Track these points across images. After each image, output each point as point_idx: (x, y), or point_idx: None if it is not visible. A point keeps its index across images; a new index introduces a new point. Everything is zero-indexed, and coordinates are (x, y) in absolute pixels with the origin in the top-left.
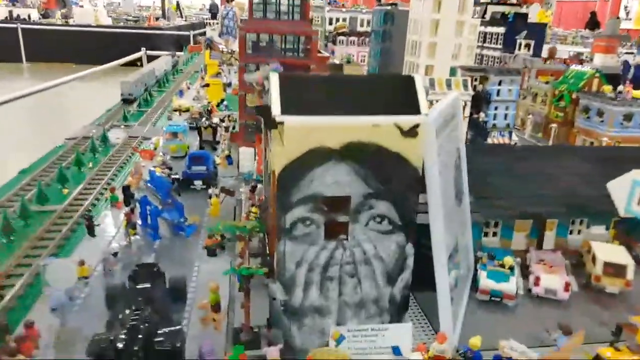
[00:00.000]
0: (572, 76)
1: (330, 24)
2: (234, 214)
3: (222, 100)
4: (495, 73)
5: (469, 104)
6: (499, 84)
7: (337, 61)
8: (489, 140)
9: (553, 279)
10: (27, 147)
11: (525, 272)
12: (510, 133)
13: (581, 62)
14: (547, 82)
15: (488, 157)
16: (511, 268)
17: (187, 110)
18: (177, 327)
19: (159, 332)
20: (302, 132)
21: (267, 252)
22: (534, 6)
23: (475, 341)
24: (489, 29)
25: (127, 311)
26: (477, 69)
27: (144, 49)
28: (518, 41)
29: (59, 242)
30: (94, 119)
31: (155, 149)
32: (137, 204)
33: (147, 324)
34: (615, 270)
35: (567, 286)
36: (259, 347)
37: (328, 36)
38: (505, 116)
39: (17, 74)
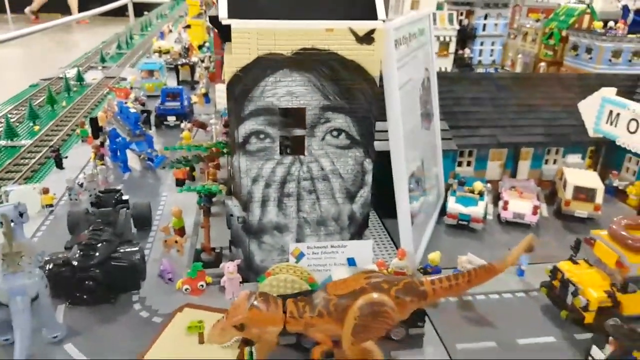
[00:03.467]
0: (562, 13)
1: None
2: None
3: (205, 42)
4: (481, 6)
5: (454, 39)
6: (485, 17)
7: None
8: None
9: (522, 204)
10: (2, 88)
11: (497, 200)
12: (496, 69)
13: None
14: (537, 20)
15: (468, 86)
16: (480, 193)
17: (168, 52)
18: (136, 247)
19: (117, 251)
20: (250, 36)
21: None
22: None
23: (434, 256)
24: None
25: (85, 232)
26: (463, 2)
27: None
28: None
29: (26, 175)
30: (73, 59)
31: (131, 87)
32: (107, 138)
33: (104, 243)
34: (585, 194)
35: (535, 210)
36: (219, 266)
37: None
38: (492, 52)
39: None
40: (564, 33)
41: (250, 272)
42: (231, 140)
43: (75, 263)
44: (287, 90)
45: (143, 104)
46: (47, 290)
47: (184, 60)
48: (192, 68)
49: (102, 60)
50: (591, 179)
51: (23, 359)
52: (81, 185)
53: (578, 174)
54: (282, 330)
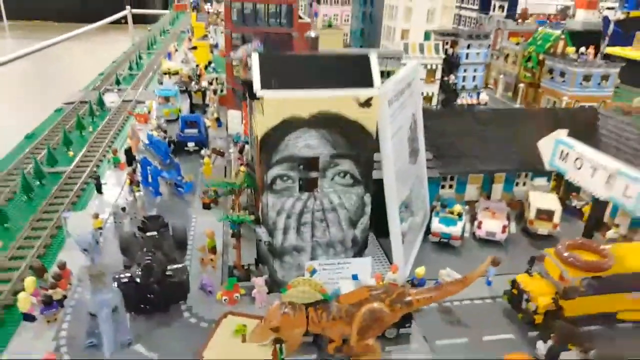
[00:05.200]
0: (540, 38)
1: None
2: (225, 172)
3: (210, 62)
4: (464, 37)
5: (440, 67)
6: (468, 47)
7: (319, 25)
8: (459, 101)
9: (493, 223)
10: (26, 111)
11: (473, 219)
12: (478, 94)
13: (564, 17)
14: (517, 44)
15: (451, 120)
16: (459, 215)
17: (177, 73)
18: (182, 265)
19: (167, 269)
20: (278, 104)
21: (254, 203)
22: None
23: (420, 270)
24: None
25: (140, 254)
26: (449, 34)
27: (129, 7)
28: (492, 2)
29: (73, 200)
30: (89, 81)
31: (148, 112)
32: (139, 165)
33: (159, 263)
34: (545, 215)
35: (504, 229)
36: (249, 280)
37: None
38: (474, 78)
39: None
40: (541, 57)
41: (274, 285)
42: (259, 181)
43: (138, 280)
44: (305, 143)
45: (165, 132)
46: (122, 302)
47: (197, 87)
48: (204, 93)
49: (117, 82)
50: (551, 202)
51: (109, 358)
52: (124, 209)
53: (540, 197)
54: (305, 331)
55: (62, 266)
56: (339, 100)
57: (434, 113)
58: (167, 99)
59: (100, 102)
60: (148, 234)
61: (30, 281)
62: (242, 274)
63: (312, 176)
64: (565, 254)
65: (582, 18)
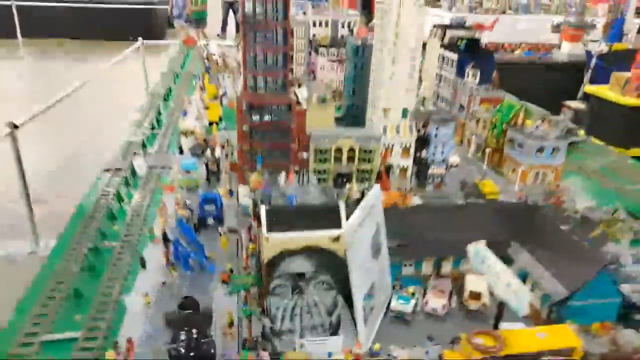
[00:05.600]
0: (505, 107)
1: (314, 25)
2: (237, 245)
3: (221, 119)
4: (433, 120)
5: (413, 144)
6: (437, 128)
7: (314, 97)
8: (429, 171)
9: (436, 301)
10: (64, 175)
11: (425, 294)
12: (445, 166)
13: (549, 49)
14: (487, 110)
15: (413, 215)
16: (413, 294)
17: (192, 132)
18: (211, 339)
19: (201, 342)
20: (278, 241)
21: (260, 296)
22: (486, 33)
23: (376, 346)
24: (446, 53)
25: (186, 331)
26: (422, 115)
27: (141, 39)
28: (466, 70)
29: (125, 275)
30: (120, 141)
31: (172, 181)
32: (171, 244)
33: (194, 338)
34: (476, 295)
35: (443, 307)
36: (256, 349)
37: (312, 42)
38: (442, 152)
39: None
40: (504, 126)
41: (274, 356)
42: (265, 288)
43: (182, 351)
44: (296, 264)
45: (191, 210)
46: None
47: (212, 158)
48: (218, 163)
49: (144, 146)
50: (481, 284)
51: None
52: (164, 283)
53: (474, 279)
54: None
55: (129, 339)
56: (317, 238)
57: (396, 210)
58: (188, 171)
59: (133, 171)
60: (186, 311)
61: (110, 353)
62: (252, 346)
63: (300, 285)
64: (473, 340)
65: (567, 50)
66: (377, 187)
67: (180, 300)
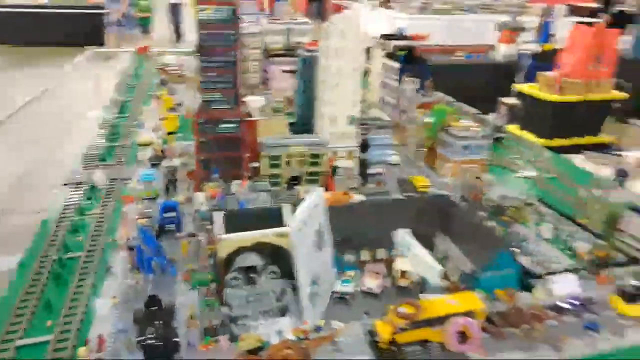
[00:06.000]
0: (437, 111)
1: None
2: (196, 248)
3: (178, 129)
4: (372, 126)
5: (357, 148)
6: (376, 133)
7: (268, 109)
8: (370, 171)
9: (372, 281)
10: (27, 189)
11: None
12: (383, 164)
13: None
14: (422, 114)
15: (353, 212)
16: (352, 277)
17: (150, 144)
18: (174, 330)
19: (166, 333)
20: (232, 241)
21: (218, 288)
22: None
23: (320, 322)
24: (389, 62)
25: (156, 324)
26: (363, 123)
27: (94, 47)
28: (404, 78)
29: (92, 282)
30: (79, 154)
31: (131, 192)
32: (135, 251)
33: (160, 331)
34: (404, 273)
35: (378, 286)
36: (217, 335)
37: (266, 51)
38: (382, 155)
39: None
40: (437, 128)
41: (232, 339)
42: (221, 280)
43: (150, 342)
44: (249, 259)
45: (150, 217)
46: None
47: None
48: (174, 171)
49: (103, 159)
50: (408, 265)
51: None
52: (130, 286)
53: (402, 261)
54: None
55: (100, 336)
56: (265, 235)
57: (336, 208)
58: (149, 182)
59: (92, 185)
60: (151, 308)
61: (83, 350)
62: (212, 333)
63: (253, 276)
64: (398, 309)
65: (503, 52)
66: (319, 189)
67: (146, 299)
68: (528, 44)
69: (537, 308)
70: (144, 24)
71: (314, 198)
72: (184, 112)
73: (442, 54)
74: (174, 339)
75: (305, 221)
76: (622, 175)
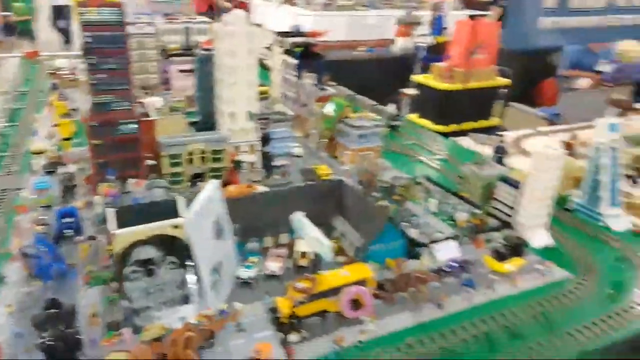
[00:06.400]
0: (334, 104)
1: (166, 34)
2: (96, 249)
3: (74, 135)
4: (272, 120)
5: (258, 142)
6: (276, 127)
7: (175, 100)
8: (274, 163)
9: (274, 264)
10: None
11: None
12: (286, 156)
13: (388, 45)
14: (321, 107)
15: (256, 202)
16: (255, 262)
17: (44, 151)
18: (76, 329)
19: (67, 332)
20: (126, 236)
21: (119, 286)
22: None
23: (223, 306)
24: (288, 58)
25: (58, 327)
26: (263, 117)
27: None
28: (302, 73)
29: None
30: None
31: (24, 202)
32: (30, 258)
33: (61, 331)
34: (303, 254)
35: (280, 268)
36: (119, 329)
37: (165, 51)
38: (284, 147)
39: None
40: (335, 119)
41: (135, 331)
42: (119, 275)
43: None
44: (145, 251)
45: (47, 224)
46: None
47: (67, 175)
48: (72, 177)
49: None
50: (306, 245)
51: None
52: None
53: (301, 242)
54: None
55: None
56: (161, 228)
57: (233, 199)
58: (43, 190)
59: None
60: (51, 311)
61: None
62: (115, 327)
63: (151, 268)
64: (296, 285)
65: (400, 45)
66: (215, 182)
67: (45, 303)
68: (424, 37)
69: (422, 272)
70: (24, 28)
71: (209, 190)
72: (80, 116)
73: (345, 49)
74: (75, 337)
75: (200, 212)
76: (500, 152)
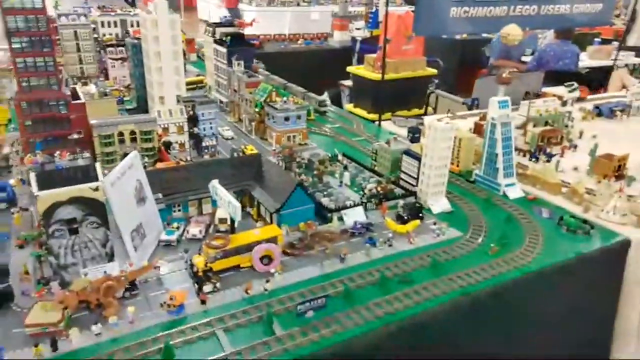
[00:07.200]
0: (261, 89)
1: (103, 26)
2: (31, 219)
3: (10, 120)
4: (198, 103)
5: (186, 123)
6: (202, 109)
7: (107, 87)
8: (204, 144)
9: (195, 229)
10: None
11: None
12: (215, 137)
13: (326, 37)
14: (250, 92)
15: (176, 173)
16: (177, 227)
17: None
18: (8, 284)
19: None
20: (48, 197)
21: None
22: (247, 29)
23: (144, 263)
24: (218, 47)
25: None
26: (189, 100)
27: None
28: (233, 60)
29: None
30: None
31: None
32: None
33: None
34: (223, 220)
35: (200, 232)
36: (49, 284)
37: (101, 42)
38: (211, 128)
39: None
40: (263, 103)
41: (64, 285)
42: (46, 234)
43: None
44: (67, 211)
45: None
46: None
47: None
48: (7, 158)
49: None
50: (225, 213)
51: None
52: None
53: (221, 210)
54: (79, 302)
55: None
56: (81, 190)
57: (169, 170)
58: None
59: None
60: None
61: None
62: (45, 282)
63: (74, 227)
64: (210, 242)
65: (338, 38)
66: (134, 152)
67: None
68: (359, 30)
69: (329, 232)
70: None
71: (129, 158)
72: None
73: (287, 42)
74: (7, 291)
75: (119, 177)
76: (413, 132)
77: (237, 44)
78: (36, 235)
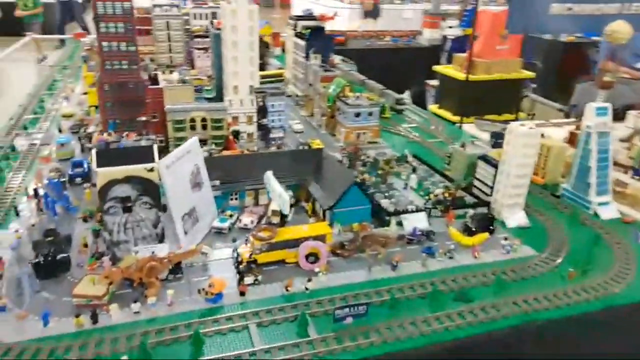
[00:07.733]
0: (335, 84)
1: (195, 18)
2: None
3: None
4: (269, 94)
5: (255, 114)
6: (272, 100)
7: (187, 75)
8: (271, 135)
9: (247, 219)
10: None
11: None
12: (283, 129)
13: (415, 35)
14: (324, 87)
15: (237, 161)
16: (231, 215)
17: (72, 115)
18: (67, 254)
19: (57, 255)
20: (106, 174)
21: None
22: (330, 23)
23: (193, 247)
24: (297, 40)
25: (45, 250)
26: (260, 91)
27: (32, 33)
28: (310, 54)
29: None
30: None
31: (49, 154)
32: (43, 197)
33: (52, 252)
34: (276, 212)
35: (252, 222)
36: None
37: (191, 33)
38: (280, 120)
39: None
40: (335, 98)
41: (115, 261)
42: (101, 209)
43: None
44: (122, 190)
45: (60, 172)
46: (33, 272)
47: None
48: (90, 137)
49: (25, 127)
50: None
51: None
52: (33, 225)
53: (274, 203)
54: (123, 278)
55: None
56: (136, 170)
57: (217, 158)
58: (63, 144)
59: (13, 148)
60: (49, 238)
61: None
62: (99, 256)
63: (128, 205)
64: (257, 234)
65: (428, 36)
66: (195, 137)
67: (45, 231)
68: (452, 28)
69: (383, 235)
70: (28, 22)
71: (189, 144)
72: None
73: (373, 39)
74: (65, 260)
75: (175, 160)
76: (496, 137)
77: (317, 38)
78: (95, 210)
